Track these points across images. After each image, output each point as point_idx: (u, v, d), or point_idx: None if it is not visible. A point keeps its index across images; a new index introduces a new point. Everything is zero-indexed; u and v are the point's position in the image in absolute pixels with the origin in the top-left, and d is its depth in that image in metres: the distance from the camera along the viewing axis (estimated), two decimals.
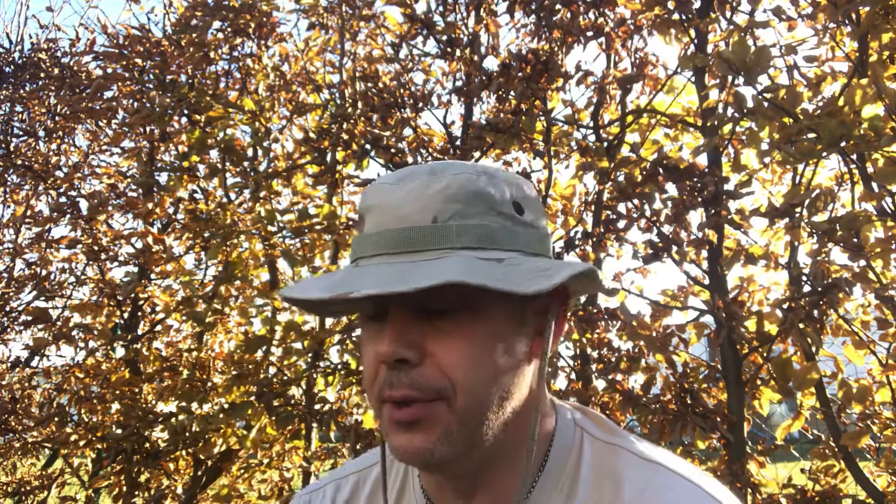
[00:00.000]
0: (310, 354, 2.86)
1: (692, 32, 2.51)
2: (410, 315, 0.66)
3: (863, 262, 2.09)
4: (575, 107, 2.81)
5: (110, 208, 3.29)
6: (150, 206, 3.08)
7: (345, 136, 2.72)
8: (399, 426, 0.67)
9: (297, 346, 2.88)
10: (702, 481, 0.70)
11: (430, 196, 0.68)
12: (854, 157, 2.17)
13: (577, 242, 2.49)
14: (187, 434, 2.73)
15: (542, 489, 0.72)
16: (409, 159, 2.71)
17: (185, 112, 3.05)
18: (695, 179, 2.27)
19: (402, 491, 0.81)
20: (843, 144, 1.97)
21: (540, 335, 0.73)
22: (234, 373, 2.82)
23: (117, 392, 2.97)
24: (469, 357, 0.66)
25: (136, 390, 3.02)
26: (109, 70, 3.13)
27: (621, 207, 2.49)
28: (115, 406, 3.02)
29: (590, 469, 0.73)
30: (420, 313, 0.67)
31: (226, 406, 2.73)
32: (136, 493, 2.92)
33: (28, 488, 3.89)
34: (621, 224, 2.47)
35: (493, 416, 0.68)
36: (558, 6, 2.56)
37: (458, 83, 2.76)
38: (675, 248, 2.31)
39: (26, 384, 3.95)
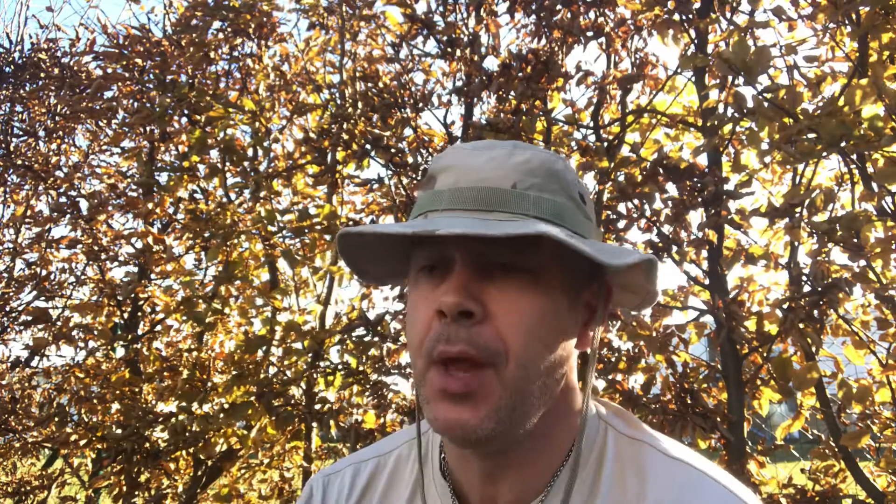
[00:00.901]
0: (310, 354, 2.86)
1: (692, 32, 2.51)
2: (475, 270, 0.67)
3: (863, 262, 2.09)
4: (575, 107, 2.81)
5: (110, 208, 3.29)
6: (150, 206, 3.08)
7: (345, 136, 2.72)
8: (446, 397, 0.65)
9: (297, 346, 2.88)
10: (726, 480, 0.71)
11: (511, 165, 0.70)
12: (854, 157, 2.17)
13: None
14: (187, 434, 2.73)
15: (564, 480, 0.72)
16: (410, 159, 2.72)
17: (186, 112, 3.05)
18: (695, 179, 2.27)
19: (422, 471, 0.81)
20: (843, 144, 1.97)
21: (587, 326, 0.74)
22: (234, 373, 2.82)
23: (117, 392, 2.97)
24: (528, 323, 0.66)
25: (136, 390, 3.02)
26: (109, 70, 3.13)
27: (621, 207, 2.49)
28: (115, 406, 3.02)
29: (613, 463, 0.73)
30: (484, 271, 0.67)
31: (226, 406, 2.73)
32: (136, 493, 2.91)
33: (28, 488, 3.88)
34: (621, 224, 2.47)
35: (539, 392, 0.68)
36: (558, 6, 2.56)
37: (459, 83, 2.76)
38: (675, 248, 2.31)
39: (26, 384, 3.95)
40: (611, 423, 0.77)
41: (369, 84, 2.85)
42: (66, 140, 4.27)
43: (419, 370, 0.69)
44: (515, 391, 0.66)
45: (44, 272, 3.95)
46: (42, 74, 4.10)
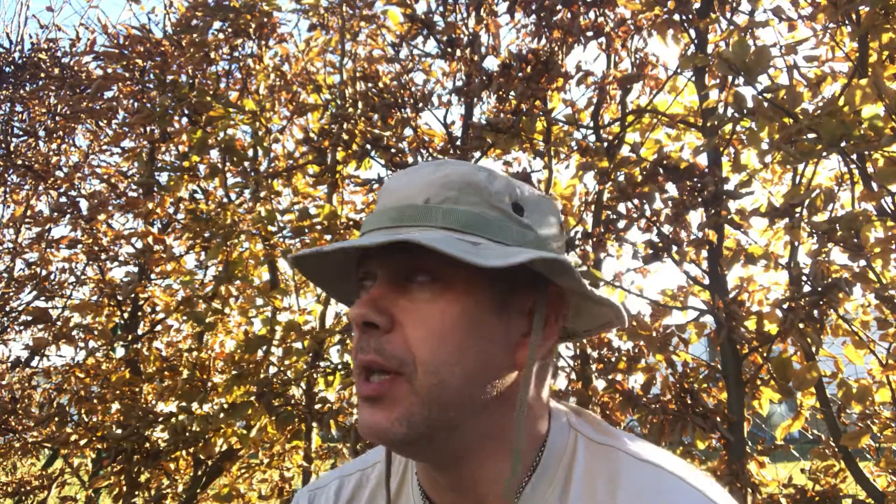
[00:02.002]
0: (310, 354, 2.86)
1: (692, 32, 2.51)
2: (391, 284, 0.70)
3: (863, 262, 2.09)
4: (575, 107, 2.81)
5: (110, 208, 3.29)
6: (150, 206, 3.08)
7: (345, 136, 2.72)
8: (364, 401, 0.69)
9: (297, 346, 2.88)
10: (699, 483, 0.70)
11: (428, 181, 0.73)
12: (854, 157, 2.17)
13: (577, 242, 2.49)
14: (187, 434, 2.73)
15: (534, 489, 0.72)
16: (410, 159, 2.72)
17: (186, 112, 3.05)
18: (695, 179, 2.27)
19: (400, 487, 0.82)
20: (843, 144, 1.97)
21: (527, 336, 0.73)
22: (234, 373, 2.82)
23: (117, 392, 2.97)
24: (435, 333, 0.67)
25: (136, 390, 3.02)
26: (110, 70, 3.13)
27: (621, 207, 2.49)
28: (115, 406, 3.02)
29: (583, 470, 0.73)
30: (400, 284, 0.70)
31: (226, 406, 2.73)
32: (136, 493, 2.91)
33: (28, 488, 3.88)
34: (621, 224, 2.47)
35: (459, 401, 0.68)
36: (558, 6, 2.56)
37: (459, 83, 2.76)
38: (675, 248, 2.31)
39: (26, 384, 3.95)
40: (580, 430, 0.77)
41: (369, 84, 2.85)
42: (66, 140, 4.27)
43: (355, 381, 0.72)
44: (429, 399, 0.67)
45: (44, 272, 3.95)
46: (42, 74, 4.10)
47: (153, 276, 3.37)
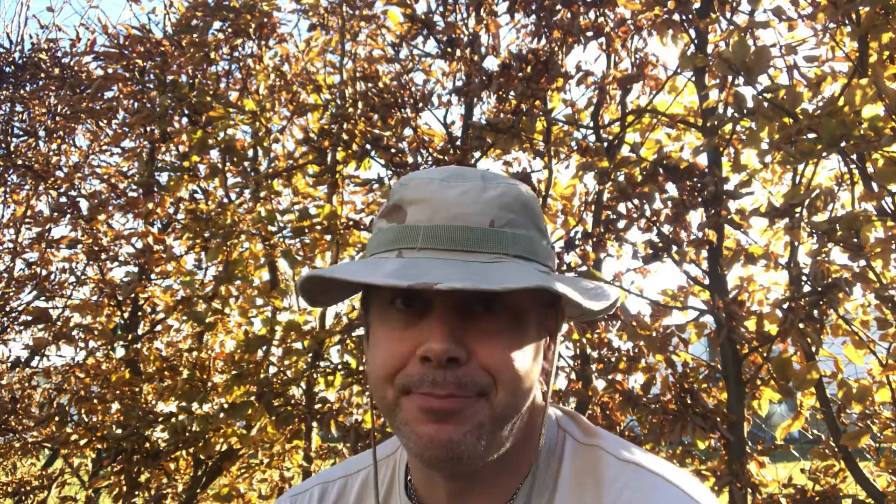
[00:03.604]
0: (310, 354, 2.86)
1: (692, 32, 2.51)
2: (455, 313, 0.67)
3: (863, 262, 2.09)
4: (575, 107, 2.81)
5: (110, 208, 3.29)
6: (150, 206, 3.07)
7: (345, 136, 2.72)
8: (430, 415, 0.65)
9: (297, 346, 2.88)
10: (681, 481, 0.71)
11: (487, 200, 0.69)
12: (854, 157, 2.17)
13: (577, 242, 2.49)
14: (187, 434, 2.72)
15: (524, 490, 0.74)
16: (410, 159, 2.72)
17: (186, 112, 3.05)
18: (695, 179, 2.27)
19: (388, 494, 0.82)
20: (843, 144, 1.97)
21: (549, 349, 0.76)
22: (234, 373, 2.82)
23: (117, 392, 2.97)
24: (511, 357, 0.67)
25: (136, 390, 3.02)
26: (110, 70, 3.13)
27: (621, 207, 2.49)
28: (115, 406, 3.02)
29: (570, 470, 0.74)
30: (464, 310, 0.67)
31: (226, 406, 2.73)
32: (136, 493, 2.91)
33: (28, 488, 3.88)
34: (621, 224, 2.47)
35: (517, 417, 0.70)
36: (558, 6, 2.56)
37: (459, 83, 2.76)
38: (675, 248, 2.31)
39: (26, 384, 3.95)
40: (568, 431, 0.78)
41: (369, 84, 2.85)
42: (66, 140, 4.27)
43: (389, 400, 0.68)
44: (502, 414, 0.68)
45: (44, 272, 3.95)
46: (42, 74, 4.10)
47: (153, 276, 3.36)
